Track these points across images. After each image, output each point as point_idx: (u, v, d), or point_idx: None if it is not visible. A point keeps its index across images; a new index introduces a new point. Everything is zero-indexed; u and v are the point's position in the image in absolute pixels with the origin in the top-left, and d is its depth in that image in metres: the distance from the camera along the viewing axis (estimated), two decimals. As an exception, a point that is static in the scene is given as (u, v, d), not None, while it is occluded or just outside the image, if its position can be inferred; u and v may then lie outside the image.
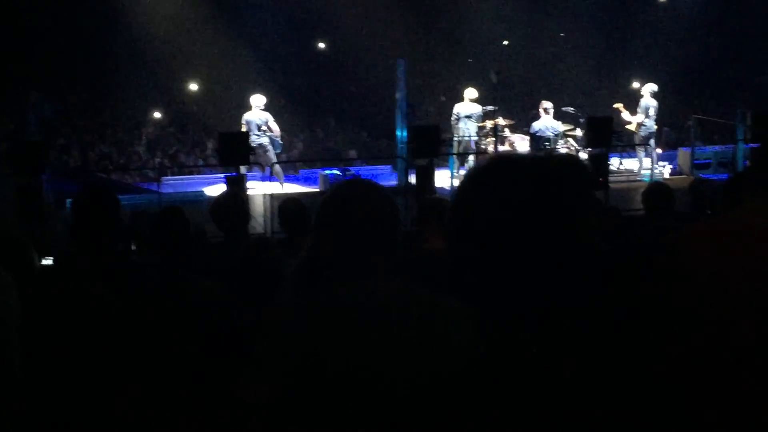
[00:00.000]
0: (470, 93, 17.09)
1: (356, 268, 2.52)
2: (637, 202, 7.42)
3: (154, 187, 17.25)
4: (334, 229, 2.58)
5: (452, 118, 17.04)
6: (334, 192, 2.66)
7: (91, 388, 2.81)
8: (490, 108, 16.27)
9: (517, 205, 1.87)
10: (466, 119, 16.70)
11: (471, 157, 16.74)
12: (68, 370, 2.80)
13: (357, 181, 2.82)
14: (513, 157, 2.05)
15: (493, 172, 1.97)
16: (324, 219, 2.62)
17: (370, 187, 2.67)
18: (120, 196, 14.46)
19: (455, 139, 16.71)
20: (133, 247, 6.61)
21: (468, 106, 16.90)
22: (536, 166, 1.96)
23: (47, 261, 6.13)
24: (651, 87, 17.83)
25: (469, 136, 16.62)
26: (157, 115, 28.19)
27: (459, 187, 2.06)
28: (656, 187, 7.27)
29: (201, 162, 23.96)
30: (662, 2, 33.03)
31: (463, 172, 16.71)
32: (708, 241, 2.35)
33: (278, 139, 16.75)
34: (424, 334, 2.37)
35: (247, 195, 13.65)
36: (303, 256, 3.40)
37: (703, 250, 2.33)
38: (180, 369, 3.08)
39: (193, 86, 29.66)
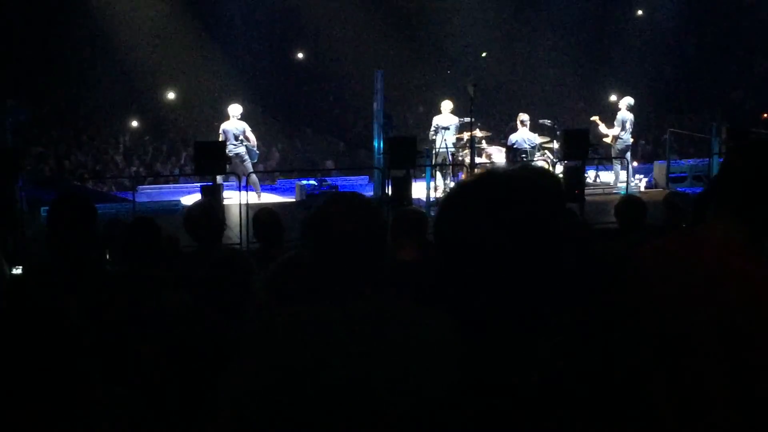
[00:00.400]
0: (447, 105, 17.15)
1: (341, 283, 2.47)
2: (612, 215, 7.42)
3: (129, 196, 17.17)
4: (319, 245, 2.51)
5: (431, 131, 17.08)
6: (320, 208, 2.57)
7: (59, 399, 2.79)
8: (467, 120, 16.28)
9: (499, 220, 1.87)
10: (444, 131, 16.74)
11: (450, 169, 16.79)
12: (36, 380, 2.78)
13: (342, 196, 2.67)
14: (494, 173, 2.04)
15: (475, 189, 1.97)
16: (309, 235, 2.54)
17: (356, 202, 2.59)
18: (96, 205, 14.35)
19: (433, 150, 16.74)
20: (107, 256, 6.58)
21: (446, 118, 16.94)
22: (516, 181, 1.96)
23: (17, 270, 6.09)
24: (628, 100, 17.93)
25: (446, 148, 16.65)
26: (134, 123, 28.08)
27: (442, 202, 2.05)
28: (629, 200, 7.28)
29: (177, 171, 23.88)
30: (640, 16, 33.25)
31: (441, 183, 16.74)
32: (663, 255, 2.41)
33: (255, 148, 16.72)
34: (412, 348, 2.34)
35: (223, 205, 13.62)
36: (278, 270, 3.37)
37: (658, 264, 2.39)
38: (150, 380, 3.05)
39: (171, 95, 29.58)
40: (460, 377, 2.00)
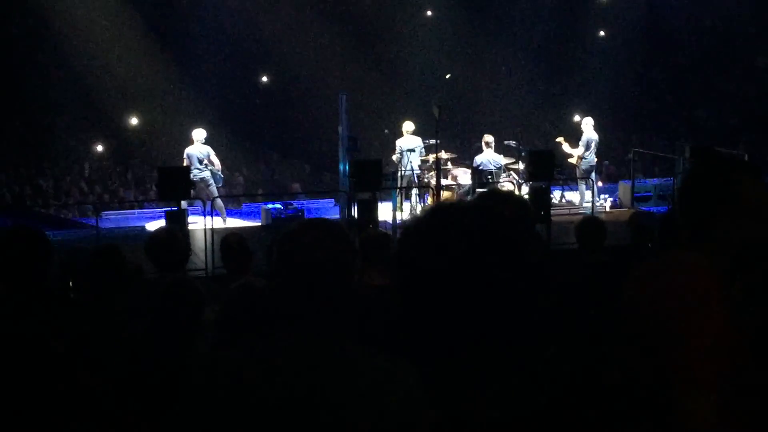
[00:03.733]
0: (408, 126, 17.12)
1: (301, 314, 2.39)
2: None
3: (93, 222, 17.01)
4: (286, 273, 2.42)
5: (395, 155, 17.06)
6: (288, 235, 2.48)
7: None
8: (432, 141, 16.29)
9: (461, 253, 1.84)
10: (409, 153, 16.72)
11: (414, 191, 16.76)
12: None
13: (312, 223, 2.59)
14: (454, 205, 2.00)
15: (434, 222, 1.93)
16: (277, 263, 2.45)
17: (324, 230, 2.48)
18: (58, 232, 14.20)
19: (399, 173, 16.73)
20: (70, 285, 6.47)
21: (409, 140, 16.94)
22: (479, 213, 1.92)
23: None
24: (590, 120, 18.05)
25: (412, 170, 16.65)
26: (98, 148, 27.90)
27: (401, 237, 2.00)
28: (588, 221, 7.28)
29: (141, 197, 23.72)
30: (602, 37, 33.54)
31: (408, 204, 16.68)
32: (651, 278, 2.41)
33: (219, 172, 16.64)
34: (358, 397, 2.27)
35: (188, 230, 13.51)
36: (231, 298, 3.31)
37: (646, 287, 2.39)
38: (110, 411, 2.98)
39: (134, 120, 29.43)
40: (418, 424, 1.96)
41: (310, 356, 2.33)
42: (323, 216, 18.26)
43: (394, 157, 17.10)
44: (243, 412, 2.26)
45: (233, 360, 2.40)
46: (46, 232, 4.88)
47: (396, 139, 17.34)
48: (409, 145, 16.84)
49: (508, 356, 1.85)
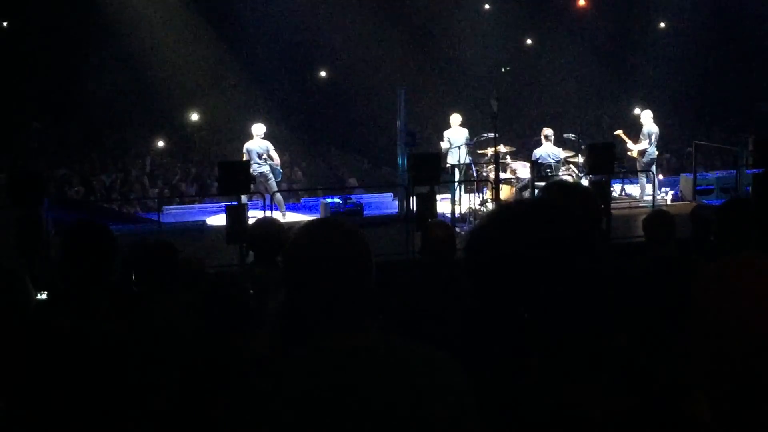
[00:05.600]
0: (456, 119, 17.25)
1: (330, 319, 2.35)
2: (639, 229, 7.34)
3: (155, 217, 17.22)
4: (300, 277, 2.39)
5: (444, 145, 17.11)
6: (297, 238, 2.44)
7: (83, 423, 2.77)
8: (490, 135, 16.22)
9: (530, 249, 1.84)
10: (457, 144, 16.85)
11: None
12: (59, 406, 2.76)
13: (321, 223, 2.57)
14: (522, 203, 2.01)
15: (504, 219, 1.94)
16: (290, 267, 2.42)
17: (335, 229, 2.45)
18: (121, 226, 14.38)
19: (448, 163, 16.75)
20: (133, 278, 6.57)
21: (456, 131, 17.03)
22: (545, 211, 1.92)
23: (43, 295, 6.08)
24: (649, 113, 17.86)
25: (470, 162, 16.71)
26: (159, 144, 28.23)
27: (471, 233, 2.00)
28: (657, 214, 7.20)
29: (201, 191, 23.97)
30: (662, 28, 33.12)
31: (465, 198, 16.63)
32: (728, 278, 2.35)
33: (278, 167, 16.74)
34: (411, 388, 2.25)
35: (248, 225, 13.63)
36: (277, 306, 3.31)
37: (722, 287, 2.33)
38: (162, 406, 3.03)
39: (195, 116, 29.73)
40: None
41: (364, 354, 2.32)
42: (382, 210, 18.36)
43: (443, 146, 17.15)
44: (305, 414, 2.24)
45: (293, 362, 2.37)
46: (110, 227, 4.97)
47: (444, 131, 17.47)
48: (457, 137, 16.93)
49: (581, 349, 1.84)
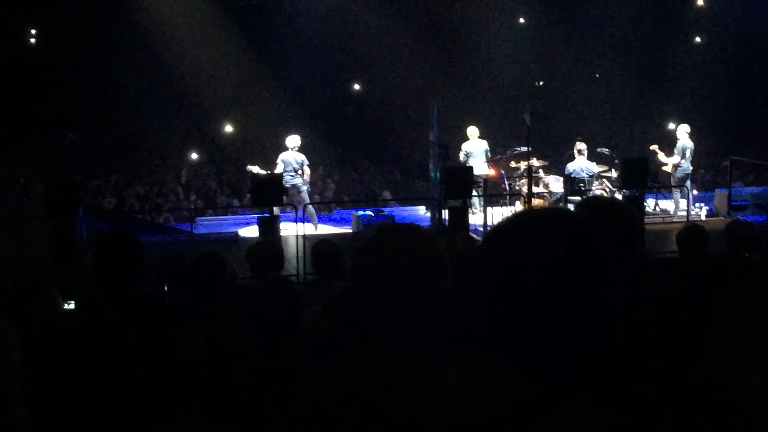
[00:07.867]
0: (473, 131, 17.54)
1: (395, 325, 2.34)
2: (673, 244, 7.28)
3: (188, 228, 17.32)
4: (369, 282, 2.37)
5: (461, 158, 17.27)
6: (372, 240, 2.43)
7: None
8: (524, 148, 16.21)
9: (545, 262, 1.81)
10: (474, 156, 17.10)
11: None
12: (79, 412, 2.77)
13: (396, 228, 2.51)
14: (541, 212, 1.97)
15: (519, 229, 1.90)
16: (359, 271, 2.41)
17: (409, 234, 2.42)
18: (154, 237, 14.52)
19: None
20: (165, 289, 6.62)
21: (476, 144, 17.23)
22: (564, 222, 1.89)
23: (70, 305, 6.12)
24: (686, 128, 17.74)
25: (486, 175, 16.99)
26: (194, 155, 28.40)
27: (482, 243, 1.96)
28: (691, 229, 7.15)
29: (236, 202, 24.08)
30: (697, 42, 32.90)
31: (490, 211, 16.64)
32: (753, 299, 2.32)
33: (308, 184, 16.79)
34: (466, 399, 2.22)
35: (280, 236, 13.68)
36: (329, 304, 3.31)
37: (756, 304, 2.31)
38: (203, 415, 3.03)
39: (229, 128, 29.90)
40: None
41: (413, 363, 2.29)
42: (413, 223, 18.43)
43: (460, 158, 17.34)
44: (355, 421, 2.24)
45: (343, 369, 2.37)
46: (142, 238, 5.01)
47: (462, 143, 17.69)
48: (475, 149, 17.16)
49: (597, 364, 1.82)
